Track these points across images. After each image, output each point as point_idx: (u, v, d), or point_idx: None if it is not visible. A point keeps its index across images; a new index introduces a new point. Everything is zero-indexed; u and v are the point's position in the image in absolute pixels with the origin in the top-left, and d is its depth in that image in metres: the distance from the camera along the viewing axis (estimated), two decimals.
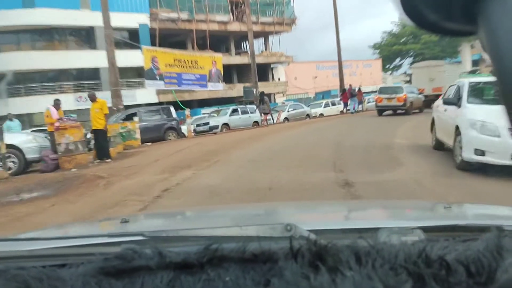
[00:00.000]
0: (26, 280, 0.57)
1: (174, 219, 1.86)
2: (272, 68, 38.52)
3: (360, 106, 26.49)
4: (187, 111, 19.15)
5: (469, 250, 0.54)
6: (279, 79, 38.67)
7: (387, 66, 48.02)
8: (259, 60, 32.76)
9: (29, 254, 0.90)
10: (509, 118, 0.35)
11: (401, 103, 19.96)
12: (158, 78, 21.28)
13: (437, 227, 0.99)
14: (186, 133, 17.84)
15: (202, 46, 30.57)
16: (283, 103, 30.69)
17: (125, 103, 20.78)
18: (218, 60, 25.08)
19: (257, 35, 34.52)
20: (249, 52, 27.33)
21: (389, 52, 45.73)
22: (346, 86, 27.62)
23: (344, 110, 26.23)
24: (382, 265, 0.51)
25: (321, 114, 27.27)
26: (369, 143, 10.19)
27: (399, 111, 20.49)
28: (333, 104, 28.77)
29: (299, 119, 24.68)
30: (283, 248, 0.58)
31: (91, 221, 2.08)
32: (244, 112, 21.84)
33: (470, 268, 0.50)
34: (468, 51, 47.75)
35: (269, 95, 28.63)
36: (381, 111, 20.99)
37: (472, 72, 17.92)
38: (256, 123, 21.69)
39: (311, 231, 0.82)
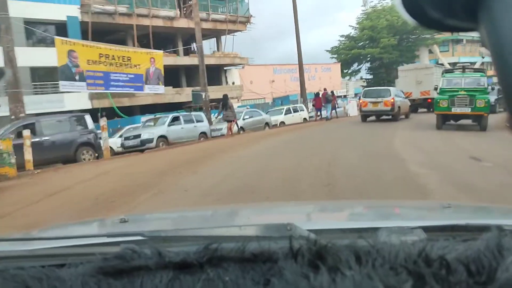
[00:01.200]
0: (25, 280, 0.57)
1: (173, 219, 1.86)
2: (225, 71, 35.24)
3: (333, 112, 24.10)
4: (103, 121, 13.97)
5: (469, 250, 0.54)
6: (233, 83, 34.82)
7: (346, 71, 46.12)
8: (211, 61, 30.20)
9: (28, 254, 0.90)
10: (510, 111, 0.35)
11: (389, 108, 18.12)
12: (78, 78, 17.04)
13: (437, 226, 0.99)
14: (113, 149, 14.59)
15: (145, 45, 26.15)
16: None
17: (50, 109, 17.69)
18: (157, 57, 20.61)
19: (208, 33, 31.99)
20: (197, 50, 23.08)
21: (347, 56, 43.95)
22: (318, 91, 25.13)
23: (318, 117, 23.99)
24: (382, 265, 0.51)
25: (282, 123, 23.59)
26: (373, 168, 6.98)
27: (384, 117, 18.92)
28: (295, 110, 25.37)
29: (257, 129, 20.43)
30: (283, 248, 0.58)
31: (90, 220, 2.07)
32: (188, 121, 17.46)
33: (470, 268, 0.50)
34: (426, 55, 47.50)
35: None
36: (365, 116, 19.08)
37: (450, 71, 16.94)
38: (203, 134, 17.76)
39: (310, 230, 0.82)
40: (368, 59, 44.12)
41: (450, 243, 0.58)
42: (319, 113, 24.02)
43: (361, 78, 46.27)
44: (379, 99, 18.24)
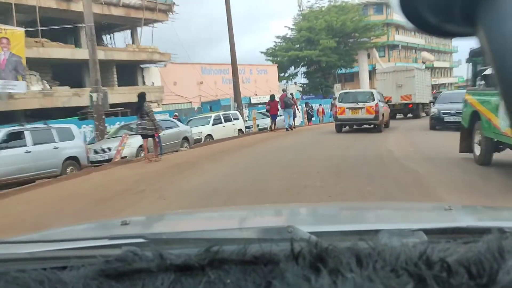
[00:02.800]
0: (26, 283, 0.57)
1: (174, 221, 1.86)
2: (142, 69, 28.56)
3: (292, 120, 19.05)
4: None
5: (470, 252, 0.54)
6: (152, 83, 28.13)
7: (282, 75, 41.91)
8: (122, 56, 25.02)
9: (30, 256, 0.90)
10: (509, 116, 0.35)
11: (372, 116, 14.61)
12: None
13: (438, 229, 0.99)
14: None
15: (34, 33, 19.47)
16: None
17: None
18: (14, 37, 13.61)
19: (120, 22, 26.73)
20: (85, 31, 15.10)
21: (284, 58, 40.35)
22: (274, 93, 21.44)
23: (273, 126, 19.12)
24: (383, 267, 0.51)
25: (209, 136, 16.97)
26: None
27: (364, 126, 15.46)
28: (227, 119, 18.48)
29: (172, 147, 13.43)
30: (284, 250, 0.58)
31: (91, 223, 2.08)
32: (40, 140, 10.44)
33: (471, 270, 0.50)
34: (365, 59, 46.16)
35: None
36: (341, 126, 15.75)
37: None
38: (71, 160, 11.01)
39: (311, 233, 0.82)
40: (306, 62, 41.37)
41: (451, 246, 0.58)
42: (284, 121, 18.87)
43: (296, 84, 43.13)
44: (360, 105, 14.71)
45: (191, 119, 18.33)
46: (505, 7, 0.34)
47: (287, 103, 18.34)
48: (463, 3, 0.37)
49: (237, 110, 20.99)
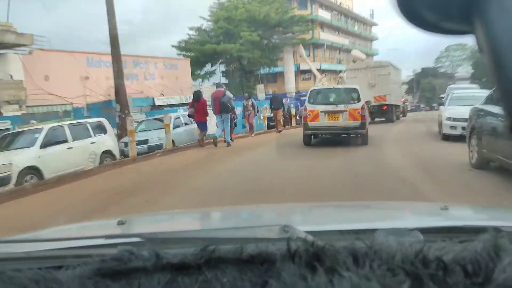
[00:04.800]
0: (22, 282, 0.57)
1: (171, 221, 1.86)
2: None
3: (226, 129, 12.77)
4: None
5: (466, 251, 0.54)
6: (11, 76, 18.77)
7: (197, 72, 34.68)
8: None
9: (26, 256, 0.90)
10: (507, 116, 0.35)
11: (358, 123, 10.53)
12: None
13: (435, 228, 1.00)
14: None
15: None
16: None
17: None
18: None
19: None
20: None
21: (200, 53, 33.08)
22: (199, 88, 16.39)
23: (201, 138, 12.65)
24: (380, 266, 0.51)
25: (31, 171, 8.48)
26: None
27: (343, 135, 11.19)
28: (80, 134, 10.37)
29: None
30: (281, 250, 0.58)
31: (87, 222, 2.07)
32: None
33: (467, 269, 0.50)
34: (291, 58, 40.82)
35: None
36: (311, 136, 11.27)
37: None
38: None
39: (308, 232, 0.82)
40: (225, 59, 35.00)
41: (447, 244, 0.58)
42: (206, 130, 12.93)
43: (214, 84, 30.76)
44: (341, 107, 10.61)
45: (6, 136, 9.95)
46: (503, 5, 0.34)
47: (225, 106, 12.08)
48: (460, 1, 0.37)
49: (119, 115, 13.63)
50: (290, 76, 41.31)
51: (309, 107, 11.04)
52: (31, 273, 0.60)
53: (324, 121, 10.83)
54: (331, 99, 11.25)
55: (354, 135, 11.10)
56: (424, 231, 0.86)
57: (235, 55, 33.43)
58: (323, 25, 48.40)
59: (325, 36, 48.67)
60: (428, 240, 0.68)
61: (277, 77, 43.29)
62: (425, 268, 0.50)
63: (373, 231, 0.79)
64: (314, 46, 46.51)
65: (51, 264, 0.73)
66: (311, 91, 11.66)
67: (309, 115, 10.98)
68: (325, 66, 45.12)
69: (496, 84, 0.36)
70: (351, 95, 11.19)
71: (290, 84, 39.38)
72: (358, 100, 10.89)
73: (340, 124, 10.77)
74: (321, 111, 10.83)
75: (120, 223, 1.36)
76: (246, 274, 0.56)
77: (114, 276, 0.58)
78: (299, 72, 44.01)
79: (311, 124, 10.96)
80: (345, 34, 54.21)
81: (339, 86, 14.08)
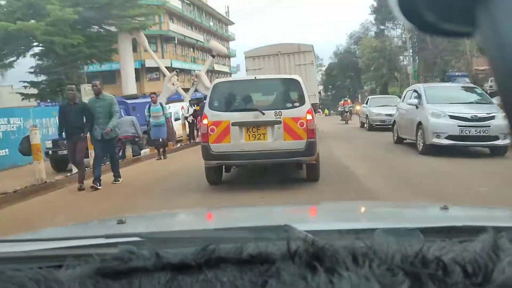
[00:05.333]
0: (22, 282, 0.57)
1: (171, 220, 1.86)
2: None
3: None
4: None
5: (465, 251, 0.54)
6: None
7: None
8: None
9: (26, 255, 0.90)
10: (508, 117, 0.35)
11: (301, 143, 6.08)
12: None
13: (434, 228, 1.00)
14: None
15: None
16: None
17: None
18: None
19: None
20: None
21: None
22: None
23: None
24: (379, 266, 0.51)
25: None
26: None
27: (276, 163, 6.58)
28: None
29: None
30: (280, 249, 0.58)
31: (87, 222, 2.07)
32: None
33: (466, 269, 0.50)
34: (130, 50, 28.97)
35: None
36: (217, 170, 6.68)
37: None
38: None
39: (308, 231, 0.82)
40: (26, 47, 23.47)
41: (446, 245, 0.58)
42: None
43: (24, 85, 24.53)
44: (271, 115, 6.18)
45: None
46: (505, 6, 0.34)
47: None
48: (462, 2, 0.37)
49: None
50: (128, 73, 28.50)
51: (212, 115, 6.24)
52: (31, 272, 0.60)
53: (238, 142, 6.14)
54: (252, 102, 6.73)
55: (294, 163, 6.66)
56: (423, 231, 0.87)
57: (40, 39, 21.92)
58: (172, 15, 39.82)
59: (176, 28, 39.86)
60: (427, 240, 0.68)
61: (115, 75, 32.94)
62: (424, 268, 0.50)
63: (373, 231, 0.80)
64: (163, 39, 38.45)
65: (51, 263, 0.73)
66: (214, 86, 6.65)
67: (211, 131, 6.18)
68: (176, 64, 37.13)
69: (498, 85, 0.36)
70: (288, 92, 6.71)
71: (130, 85, 27.24)
72: (302, 101, 6.30)
73: (269, 146, 6.11)
74: (234, 124, 6.14)
75: (120, 222, 1.36)
76: (246, 274, 0.56)
77: (114, 275, 0.58)
78: (144, 70, 35.70)
79: (216, 147, 6.17)
80: (199, 29, 47.05)
81: (265, 77, 8.12)
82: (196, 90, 26.86)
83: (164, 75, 26.16)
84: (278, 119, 6.13)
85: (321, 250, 0.56)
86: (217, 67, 48.66)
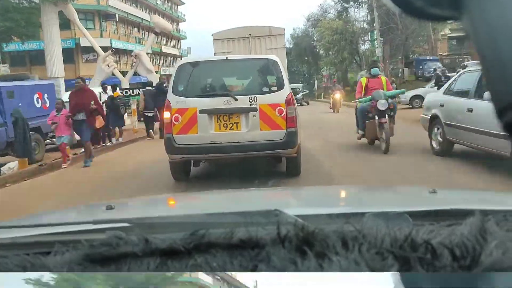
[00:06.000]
0: (9, 268, 0.56)
1: (160, 206, 1.85)
2: None
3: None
4: None
5: (453, 234, 0.55)
6: None
7: None
8: None
9: (12, 241, 0.89)
10: (493, 101, 0.35)
11: (280, 133, 5.42)
12: None
13: (423, 212, 1.01)
14: None
15: None
16: None
17: None
18: None
19: None
20: None
21: None
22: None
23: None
24: (369, 250, 0.52)
25: None
26: None
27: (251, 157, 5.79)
28: None
29: None
30: (270, 234, 0.58)
31: (75, 207, 2.06)
32: None
33: (455, 252, 0.50)
34: (55, 24, 21.51)
35: None
36: (184, 165, 5.89)
37: None
38: None
39: (298, 216, 0.82)
40: None
41: (435, 228, 0.59)
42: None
43: None
44: (245, 101, 5.44)
45: None
46: None
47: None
48: None
49: None
50: (54, 51, 22.58)
51: (176, 102, 5.50)
52: (18, 259, 0.59)
53: (207, 133, 5.44)
54: (223, 86, 5.92)
55: (271, 157, 5.92)
56: (412, 214, 0.87)
57: None
58: None
59: (117, 4, 35.44)
60: (416, 224, 0.69)
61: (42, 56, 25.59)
62: (413, 252, 0.51)
63: (362, 215, 0.80)
64: (102, 16, 34.18)
65: (39, 250, 0.73)
66: (179, 68, 5.87)
67: (175, 120, 5.47)
68: (117, 44, 32.84)
69: (484, 71, 0.36)
70: (265, 75, 5.97)
71: (57, 66, 21.88)
72: (280, 85, 5.62)
73: (243, 137, 5.44)
74: (202, 112, 5.44)
75: (109, 207, 1.35)
76: (236, 259, 0.56)
77: (103, 261, 0.58)
78: (80, 51, 31.63)
79: (181, 139, 5.45)
80: (144, 7, 42.96)
81: (238, 57, 7.53)
82: (136, 73, 23.88)
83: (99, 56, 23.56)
84: (254, 106, 5.41)
85: (311, 234, 0.56)
86: (165, 49, 45.42)
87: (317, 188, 2.97)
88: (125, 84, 21.08)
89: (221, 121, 5.47)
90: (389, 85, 8.26)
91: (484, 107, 5.30)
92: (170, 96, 5.56)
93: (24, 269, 0.56)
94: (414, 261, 0.49)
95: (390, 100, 7.50)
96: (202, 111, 5.40)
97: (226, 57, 6.31)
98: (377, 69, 8.57)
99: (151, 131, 12.51)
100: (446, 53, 29.12)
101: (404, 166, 6.39)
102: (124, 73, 24.40)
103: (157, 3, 45.30)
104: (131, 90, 17.91)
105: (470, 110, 5.92)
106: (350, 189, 2.46)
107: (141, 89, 14.73)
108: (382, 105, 7.23)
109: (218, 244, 0.59)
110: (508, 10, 0.33)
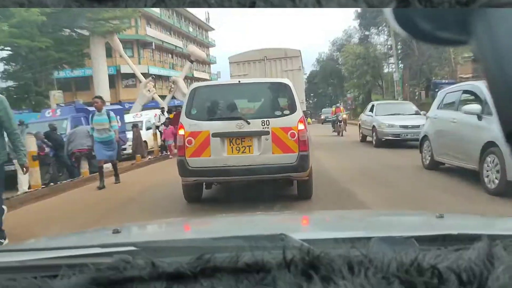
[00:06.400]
0: None
1: (166, 229, 1.85)
2: None
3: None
4: None
5: (461, 259, 0.54)
6: None
7: None
8: None
9: (20, 265, 0.89)
10: (502, 124, 0.35)
11: (293, 156, 5.44)
12: None
13: (429, 236, 1.00)
14: None
15: None
16: None
17: None
18: None
19: None
20: None
21: None
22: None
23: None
24: (375, 274, 0.51)
25: None
26: None
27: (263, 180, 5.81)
28: None
29: None
30: (276, 258, 0.58)
31: (82, 231, 2.06)
32: None
33: (461, 277, 0.50)
34: (103, 56, 27.33)
35: None
36: (196, 188, 6.03)
37: None
38: None
39: (304, 240, 0.82)
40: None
41: (442, 253, 0.58)
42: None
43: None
44: (257, 125, 5.49)
45: None
46: (498, 15, 0.34)
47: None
48: (456, 11, 0.37)
49: None
50: (101, 78, 26.54)
51: (189, 125, 5.57)
52: (26, 282, 0.59)
53: (220, 156, 5.49)
54: (235, 109, 5.97)
55: (283, 180, 5.90)
56: (419, 239, 0.87)
57: (4, 41, 21.25)
58: (150, 19, 38.72)
59: (153, 33, 38.62)
60: (423, 249, 0.68)
61: (89, 82, 30.87)
62: (419, 276, 0.51)
63: (369, 239, 0.80)
64: (140, 44, 36.93)
65: (46, 273, 0.73)
66: (191, 91, 5.90)
67: (188, 143, 5.53)
68: (154, 71, 35.62)
69: (491, 93, 0.36)
70: (277, 98, 6.06)
71: (103, 91, 24.18)
72: (292, 108, 5.65)
73: (255, 161, 5.47)
74: (214, 135, 5.49)
75: (116, 231, 1.35)
76: (242, 283, 0.56)
77: (109, 285, 0.58)
78: (120, 77, 34.87)
79: (194, 161, 5.52)
80: (178, 34, 46.42)
81: (251, 80, 7.56)
82: (173, 97, 25.85)
83: (140, 81, 25.67)
84: (266, 129, 5.47)
85: (316, 258, 0.56)
86: (196, 74, 47.18)
87: (323, 213, 2.95)
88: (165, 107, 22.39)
89: (233, 144, 5.51)
90: (340, 110, 20.61)
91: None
92: (183, 119, 5.63)
93: None
94: (420, 285, 0.49)
95: (341, 117, 19.97)
96: (214, 134, 5.46)
97: (239, 81, 6.54)
98: (338, 104, 23.29)
99: None
100: (469, 75, 29.37)
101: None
102: (162, 97, 25.81)
103: (189, 31, 48.61)
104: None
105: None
106: (356, 214, 2.44)
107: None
108: (339, 117, 20.14)
109: (224, 268, 0.59)
110: None
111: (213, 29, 58.43)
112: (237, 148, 5.51)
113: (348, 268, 0.53)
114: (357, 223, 1.79)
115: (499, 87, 0.35)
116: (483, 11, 0.35)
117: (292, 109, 5.61)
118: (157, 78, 34.82)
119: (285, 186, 6.32)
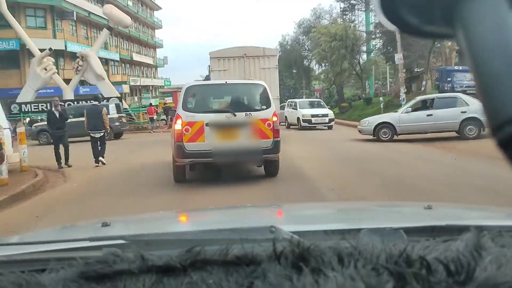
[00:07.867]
0: (4, 286, 0.56)
1: (155, 222, 1.84)
2: None
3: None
4: None
5: (449, 250, 0.55)
6: None
7: None
8: None
9: (7, 259, 0.88)
10: (488, 117, 0.36)
11: (269, 142, 6.95)
12: None
13: (418, 227, 1.01)
14: None
15: None
16: None
17: None
18: None
19: None
20: None
21: None
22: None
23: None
24: (364, 266, 0.52)
25: None
26: None
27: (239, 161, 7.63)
28: None
29: None
30: (266, 250, 0.58)
31: (71, 225, 2.05)
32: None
33: (449, 267, 0.51)
34: None
35: None
36: (184, 170, 7.31)
37: None
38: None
39: (294, 232, 0.82)
40: None
41: (430, 244, 0.59)
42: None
43: None
44: (241, 117, 6.87)
45: None
46: (484, 8, 0.35)
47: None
48: (442, 4, 0.37)
49: None
50: None
51: (186, 116, 6.71)
52: (13, 276, 0.59)
53: (213, 142, 6.69)
54: (223, 104, 7.52)
55: (254, 161, 7.46)
56: (408, 231, 0.87)
57: None
58: None
59: (75, 0, 29.92)
60: (412, 240, 0.69)
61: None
62: (408, 267, 0.51)
63: (358, 231, 0.80)
64: (56, 13, 29.18)
65: (34, 267, 0.72)
66: (187, 89, 7.13)
67: (185, 131, 6.66)
68: (74, 48, 28.26)
69: (477, 86, 0.36)
70: (256, 96, 7.38)
71: None
72: (268, 104, 7.04)
73: (239, 145, 6.74)
74: (208, 124, 6.67)
75: (105, 224, 1.34)
76: (232, 276, 0.56)
77: (98, 279, 0.58)
78: (27, 54, 25.81)
79: (190, 146, 6.63)
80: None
81: (235, 81, 8.96)
82: (82, 80, 19.81)
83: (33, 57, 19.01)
84: (248, 120, 6.84)
85: (306, 250, 0.56)
86: (136, 57, 40.35)
87: (313, 205, 2.96)
88: (69, 94, 17.53)
89: (223, 132, 6.84)
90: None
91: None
92: (180, 111, 6.88)
93: (19, 287, 0.56)
94: (409, 276, 0.49)
95: None
96: (208, 124, 6.72)
97: (226, 81, 8.34)
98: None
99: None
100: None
101: None
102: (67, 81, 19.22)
103: (127, 4, 38.60)
104: (76, 103, 14.87)
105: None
106: (345, 206, 2.46)
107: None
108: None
109: (214, 261, 0.59)
110: (502, 27, 0.34)
111: (160, 8, 50.35)
112: (227, 136, 6.82)
113: (338, 260, 0.53)
114: (346, 215, 1.81)
115: (484, 80, 0.35)
116: (469, 4, 0.35)
117: (268, 104, 7.07)
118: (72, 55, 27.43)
119: (255, 166, 7.90)
